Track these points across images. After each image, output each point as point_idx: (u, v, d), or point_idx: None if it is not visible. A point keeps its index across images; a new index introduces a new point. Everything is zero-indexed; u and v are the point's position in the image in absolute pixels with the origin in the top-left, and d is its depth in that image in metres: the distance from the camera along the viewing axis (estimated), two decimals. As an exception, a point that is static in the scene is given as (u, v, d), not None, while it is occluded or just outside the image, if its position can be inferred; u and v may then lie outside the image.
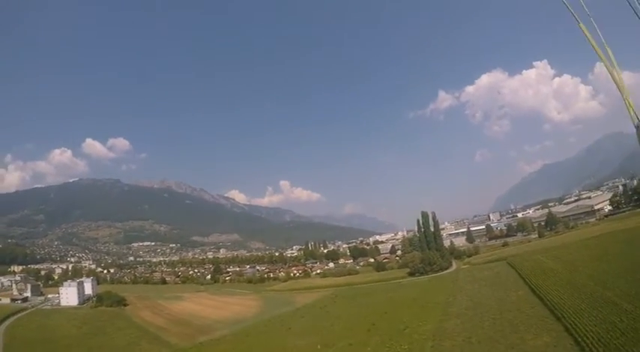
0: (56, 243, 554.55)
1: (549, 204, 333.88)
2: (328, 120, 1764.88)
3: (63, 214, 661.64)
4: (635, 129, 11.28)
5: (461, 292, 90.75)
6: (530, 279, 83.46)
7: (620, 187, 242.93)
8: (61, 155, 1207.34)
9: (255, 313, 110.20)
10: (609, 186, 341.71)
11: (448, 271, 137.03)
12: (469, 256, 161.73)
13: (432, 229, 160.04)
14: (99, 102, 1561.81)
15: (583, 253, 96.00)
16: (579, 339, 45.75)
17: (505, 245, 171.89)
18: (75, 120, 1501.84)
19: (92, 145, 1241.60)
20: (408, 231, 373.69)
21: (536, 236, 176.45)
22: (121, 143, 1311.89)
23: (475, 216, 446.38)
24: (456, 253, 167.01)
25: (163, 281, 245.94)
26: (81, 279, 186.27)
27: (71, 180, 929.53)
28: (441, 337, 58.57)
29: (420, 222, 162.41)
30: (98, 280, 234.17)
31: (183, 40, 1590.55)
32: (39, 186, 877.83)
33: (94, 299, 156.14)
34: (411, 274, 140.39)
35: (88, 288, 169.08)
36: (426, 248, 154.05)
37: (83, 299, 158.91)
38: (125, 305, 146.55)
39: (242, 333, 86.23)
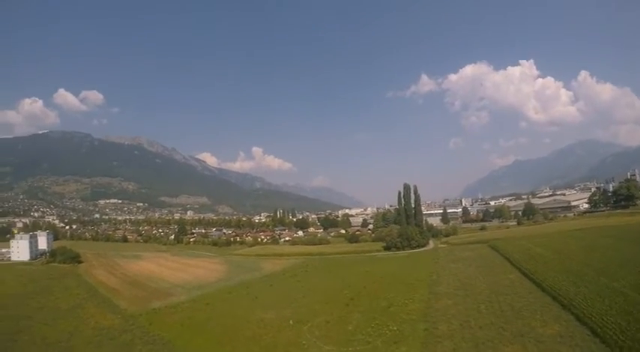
0: (21, 196, 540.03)
1: (522, 197, 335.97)
2: (308, 91, 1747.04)
3: (30, 167, 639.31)
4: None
5: (445, 271, 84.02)
6: (520, 264, 77.67)
7: (594, 189, 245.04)
8: (32, 105, 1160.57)
9: (217, 278, 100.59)
10: (581, 188, 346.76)
11: (426, 248, 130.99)
12: (446, 236, 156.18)
13: (413, 204, 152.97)
14: (74, 51, 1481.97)
15: (571, 243, 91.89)
16: (597, 329, 39.64)
17: (483, 229, 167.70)
18: (48, 69, 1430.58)
19: (64, 96, 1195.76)
20: (378, 208, 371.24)
21: (515, 223, 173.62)
22: (94, 96, 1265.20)
23: (446, 200, 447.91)
24: (433, 231, 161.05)
25: (125, 240, 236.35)
26: (35, 233, 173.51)
27: (40, 132, 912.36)
28: (433, 319, 50.85)
29: (402, 194, 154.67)
30: (57, 235, 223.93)
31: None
32: (6, 136, 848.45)
33: (48, 254, 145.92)
34: (387, 248, 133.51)
35: (43, 243, 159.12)
36: (405, 222, 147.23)
37: (36, 255, 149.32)
38: (79, 262, 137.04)
39: (201, 300, 76.51)
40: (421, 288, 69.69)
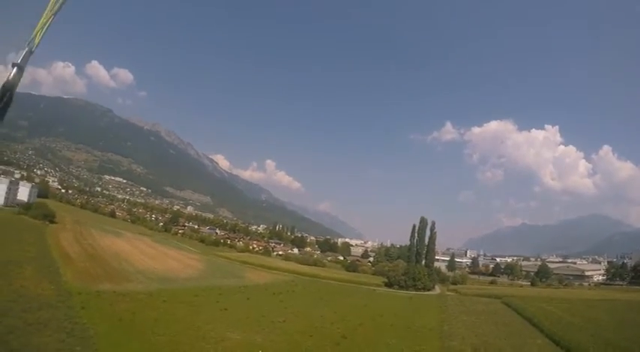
0: (30, 152, 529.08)
1: (530, 259, 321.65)
2: (332, 119, 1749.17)
3: (47, 127, 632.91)
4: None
5: (457, 322, 69.70)
6: (547, 327, 63.18)
7: (604, 262, 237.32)
8: (64, 69, 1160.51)
9: (190, 275, 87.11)
10: (590, 260, 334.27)
11: (432, 293, 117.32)
12: (454, 283, 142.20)
13: (426, 241, 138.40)
14: (118, 28, 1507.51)
15: (597, 313, 78.16)
16: None
17: (493, 283, 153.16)
18: (87, 38, 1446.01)
19: (97, 68, 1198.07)
20: (381, 243, 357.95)
21: (527, 283, 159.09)
22: (125, 75, 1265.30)
23: (449, 249, 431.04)
24: (440, 276, 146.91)
25: (112, 215, 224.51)
26: (16, 179, 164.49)
27: (65, 97, 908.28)
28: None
29: (416, 228, 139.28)
30: (47, 194, 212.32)
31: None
32: (33, 92, 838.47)
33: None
34: (389, 285, 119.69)
35: (24, 193, 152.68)
36: (414, 260, 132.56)
37: (11, 203, 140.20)
38: (52, 222, 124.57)
39: (160, 295, 61.96)
40: (431, 339, 55.57)
